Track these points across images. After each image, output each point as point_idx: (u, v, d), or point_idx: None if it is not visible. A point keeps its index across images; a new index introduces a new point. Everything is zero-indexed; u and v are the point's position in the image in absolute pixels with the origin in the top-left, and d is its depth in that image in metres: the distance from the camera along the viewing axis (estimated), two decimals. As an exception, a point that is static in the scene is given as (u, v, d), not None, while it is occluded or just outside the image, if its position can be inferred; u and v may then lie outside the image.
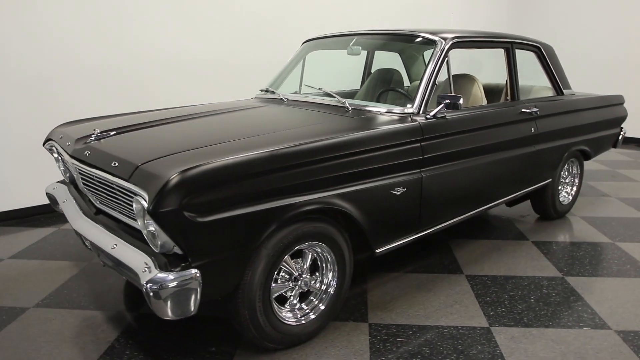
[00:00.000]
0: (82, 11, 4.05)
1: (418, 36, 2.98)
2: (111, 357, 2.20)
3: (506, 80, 3.38)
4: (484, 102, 3.40)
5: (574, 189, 4.18)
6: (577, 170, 4.16)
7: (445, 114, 2.69)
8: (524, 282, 2.94)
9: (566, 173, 4.06)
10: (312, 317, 2.30)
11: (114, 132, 2.38)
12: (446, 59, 2.80)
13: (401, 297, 2.73)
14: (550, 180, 3.78)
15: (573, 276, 3.02)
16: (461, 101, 2.63)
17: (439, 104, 2.63)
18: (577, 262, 3.23)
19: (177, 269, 1.78)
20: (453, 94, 2.77)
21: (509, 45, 3.32)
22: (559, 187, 3.98)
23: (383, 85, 3.38)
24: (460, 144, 2.77)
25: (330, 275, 2.35)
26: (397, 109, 2.65)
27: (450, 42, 2.83)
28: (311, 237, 2.19)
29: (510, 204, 3.91)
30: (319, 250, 2.29)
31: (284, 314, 2.22)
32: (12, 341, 2.31)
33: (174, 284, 1.74)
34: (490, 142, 2.99)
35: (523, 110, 3.28)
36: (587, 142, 3.99)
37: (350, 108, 2.70)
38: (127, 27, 4.30)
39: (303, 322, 2.27)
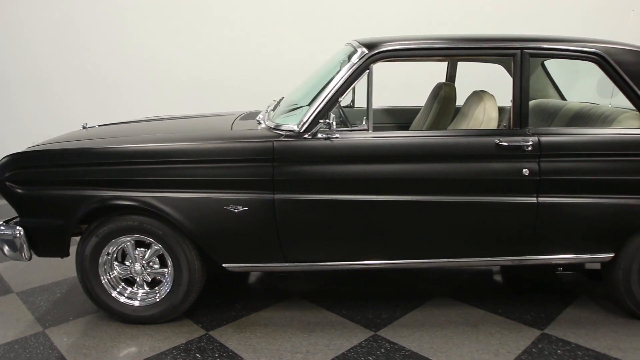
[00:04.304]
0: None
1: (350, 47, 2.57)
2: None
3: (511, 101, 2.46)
4: (491, 125, 2.58)
5: None
6: None
7: (334, 136, 2.34)
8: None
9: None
10: (142, 303, 2.57)
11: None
12: (365, 72, 2.39)
13: None
14: (612, 255, 2.48)
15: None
16: (332, 120, 2.27)
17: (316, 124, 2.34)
18: None
19: (10, 224, 2.47)
20: (368, 115, 2.38)
21: (517, 53, 2.40)
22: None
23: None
24: (340, 173, 2.34)
25: (168, 271, 2.54)
26: (287, 126, 2.48)
27: (373, 53, 2.38)
28: (135, 231, 2.46)
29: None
30: (159, 247, 2.51)
31: (117, 291, 2.58)
32: None
33: (6, 233, 2.44)
34: (410, 178, 2.35)
35: (501, 143, 2.34)
36: None
37: (262, 122, 2.68)
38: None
39: (135, 303, 2.57)
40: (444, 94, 3.23)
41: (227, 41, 5.20)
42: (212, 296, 2.90)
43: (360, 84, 3.56)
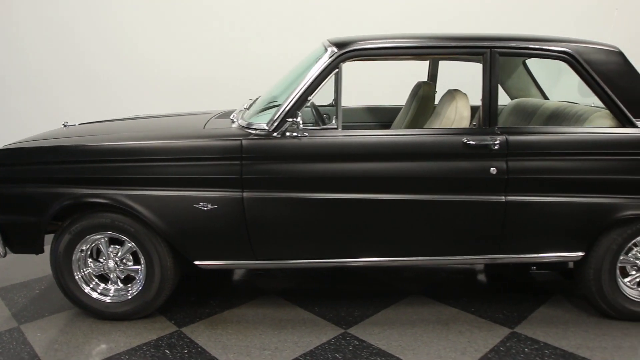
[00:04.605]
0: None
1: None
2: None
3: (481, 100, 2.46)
4: (463, 124, 2.58)
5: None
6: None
7: (303, 135, 2.35)
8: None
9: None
10: (114, 299, 2.60)
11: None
12: (334, 71, 2.40)
13: None
14: (582, 254, 2.48)
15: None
16: (299, 119, 2.29)
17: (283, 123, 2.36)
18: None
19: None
20: (338, 114, 2.41)
21: (486, 52, 2.40)
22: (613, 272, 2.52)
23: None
24: (308, 172, 2.36)
25: (141, 268, 2.56)
26: (258, 124, 2.49)
27: (342, 53, 2.39)
28: (108, 229, 2.49)
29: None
30: (132, 245, 2.53)
31: (91, 287, 2.61)
32: None
33: (-18, 228, 2.48)
34: (378, 177, 2.37)
35: (469, 141, 2.34)
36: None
37: (236, 120, 2.70)
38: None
39: (107, 300, 2.60)
40: (422, 93, 3.24)
41: (223, 39, 5.19)
42: (188, 293, 2.93)
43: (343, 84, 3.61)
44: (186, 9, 5.13)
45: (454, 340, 2.44)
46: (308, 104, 2.47)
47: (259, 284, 3.12)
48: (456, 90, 2.70)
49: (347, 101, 3.88)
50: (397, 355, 2.32)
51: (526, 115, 3.17)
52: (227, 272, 3.28)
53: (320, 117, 2.90)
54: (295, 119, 2.32)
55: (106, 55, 5.27)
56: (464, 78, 3.73)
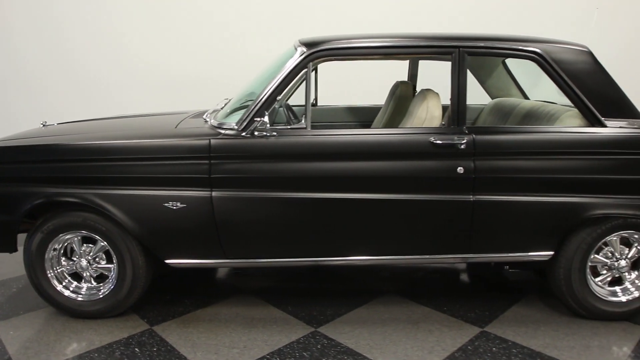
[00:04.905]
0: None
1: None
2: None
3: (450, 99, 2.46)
4: (434, 124, 2.59)
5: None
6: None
7: (271, 134, 2.36)
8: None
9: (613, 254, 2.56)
10: (86, 297, 2.62)
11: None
12: (303, 70, 2.41)
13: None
14: (551, 254, 2.49)
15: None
16: (266, 119, 2.30)
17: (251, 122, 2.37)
18: None
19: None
20: (306, 113, 2.41)
21: (454, 52, 2.41)
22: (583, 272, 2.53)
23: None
24: (277, 171, 2.37)
25: (113, 267, 2.58)
26: (228, 124, 2.50)
27: (310, 53, 2.40)
28: (80, 228, 2.50)
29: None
30: (105, 243, 2.55)
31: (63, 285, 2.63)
32: None
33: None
34: (346, 176, 2.38)
35: (436, 141, 2.35)
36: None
37: (209, 120, 2.71)
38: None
39: (79, 298, 2.62)
40: (399, 92, 3.25)
41: (216, 38, 5.20)
42: (162, 292, 2.95)
43: (325, 84, 3.65)
44: (179, 8, 5.15)
45: (422, 339, 2.45)
46: (278, 104, 2.48)
47: (235, 283, 3.14)
48: (428, 90, 2.71)
49: (329, 101, 3.92)
50: (365, 354, 2.33)
51: (503, 114, 3.18)
52: (204, 271, 3.29)
53: (295, 116, 2.91)
54: (262, 119, 2.33)
55: (99, 54, 5.28)
56: (444, 78, 3.75)
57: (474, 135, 2.37)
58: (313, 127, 2.87)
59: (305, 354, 2.34)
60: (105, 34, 5.19)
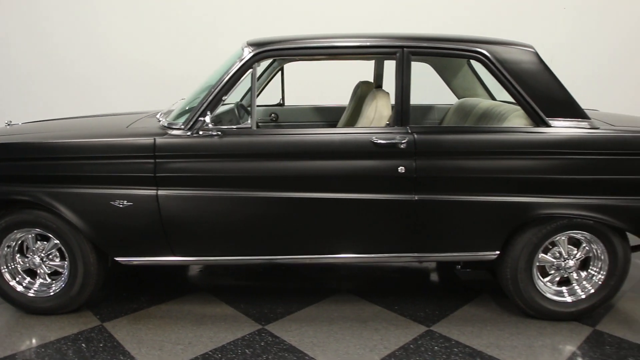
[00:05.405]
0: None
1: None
2: None
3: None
4: (382, 123, 2.60)
5: (598, 280, 2.54)
6: (598, 252, 2.52)
7: (215, 134, 2.39)
8: None
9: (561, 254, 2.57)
10: (38, 294, 2.66)
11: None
12: (249, 70, 2.44)
13: (165, 318, 2.64)
14: (497, 254, 2.50)
15: None
16: (206, 118, 2.34)
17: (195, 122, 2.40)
18: None
19: None
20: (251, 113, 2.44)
21: (398, 52, 2.42)
22: (530, 271, 2.53)
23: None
24: (221, 170, 2.40)
25: (66, 264, 2.62)
26: (176, 124, 2.53)
27: (255, 53, 2.43)
28: (33, 225, 2.55)
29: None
30: (57, 241, 2.59)
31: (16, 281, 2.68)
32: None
33: None
34: (289, 175, 2.40)
35: (377, 140, 2.36)
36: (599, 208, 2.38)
37: (161, 120, 2.74)
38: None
39: (31, 294, 2.66)
40: (360, 92, 3.26)
41: (203, 37, 5.21)
42: (120, 289, 2.99)
43: (299, 83, 3.66)
44: (166, 6, 5.15)
45: (367, 338, 2.47)
46: (225, 103, 2.51)
47: (194, 280, 3.17)
48: (379, 90, 2.72)
49: (299, 101, 3.94)
50: (306, 352, 2.35)
51: (464, 114, 3.19)
52: (165, 268, 3.33)
53: (242, 115, 2.94)
54: (205, 118, 2.36)
55: (85, 52, 5.29)
56: (415, 78, 3.76)
57: (414, 135, 2.38)
58: (281, 127, 2.91)
59: (247, 350, 2.36)
60: (92, 32, 5.21)
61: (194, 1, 5.12)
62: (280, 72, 3.67)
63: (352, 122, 3.23)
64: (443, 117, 3.68)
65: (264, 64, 3.53)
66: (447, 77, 3.63)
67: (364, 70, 3.93)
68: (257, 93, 3.69)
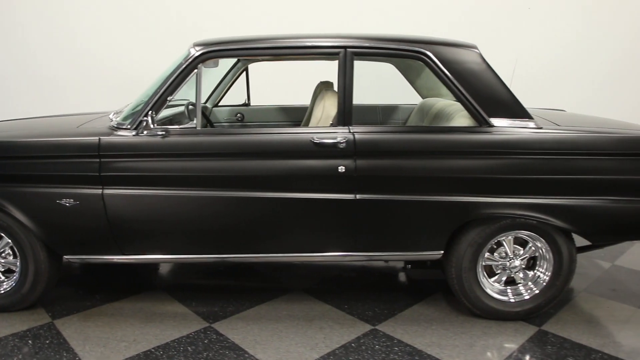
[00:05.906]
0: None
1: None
2: None
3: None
4: (328, 123, 2.61)
5: (542, 281, 2.54)
6: (544, 252, 2.52)
7: (159, 133, 2.42)
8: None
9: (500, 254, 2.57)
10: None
11: None
12: (194, 71, 2.46)
13: (115, 316, 2.67)
14: (441, 253, 2.50)
15: None
16: (148, 118, 2.37)
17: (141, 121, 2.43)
18: None
19: None
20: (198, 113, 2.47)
21: (341, 52, 2.43)
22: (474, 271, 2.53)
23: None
24: (164, 169, 2.42)
25: (18, 263, 2.66)
26: (123, 124, 2.56)
27: (199, 54, 2.45)
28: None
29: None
30: (10, 240, 2.63)
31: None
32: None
33: None
34: (231, 175, 2.42)
35: (317, 140, 2.38)
36: (542, 208, 2.38)
37: (112, 119, 2.77)
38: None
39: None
40: (318, 92, 3.27)
41: (174, 37, 5.22)
42: (76, 287, 3.03)
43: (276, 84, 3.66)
44: (137, 7, 5.22)
45: (310, 336, 2.48)
46: (170, 103, 2.54)
47: (151, 278, 3.20)
48: (327, 90, 2.74)
49: (265, 101, 3.97)
50: (247, 349, 2.37)
51: (423, 115, 3.20)
52: (122, 266, 3.35)
53: (189, 116, 2.97)
54: (147, 118, 2.39)
55: (54, 53, 5.34)
56: (381, 78, 3.77)
57: (355, 135, 2.39)
58: (246, 127, 2.91)
59: (189, 348, 2.39)
60: (62, 33, 5.26)
61: (169, 2, 5.15)
62: (245, 72, 3.69)
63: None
64: (407, 117, 3.69)
65: (227, 64, 3.56)
66: (411, 77, 3.63)
67: (332, 70, 3.95)
68: (222, 93, 3.75)
